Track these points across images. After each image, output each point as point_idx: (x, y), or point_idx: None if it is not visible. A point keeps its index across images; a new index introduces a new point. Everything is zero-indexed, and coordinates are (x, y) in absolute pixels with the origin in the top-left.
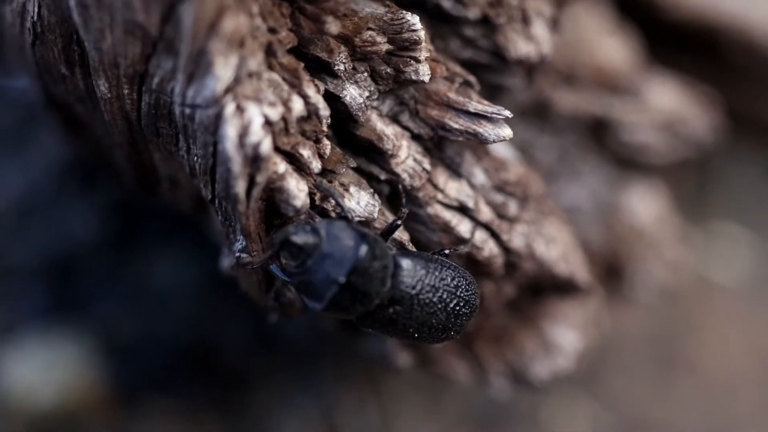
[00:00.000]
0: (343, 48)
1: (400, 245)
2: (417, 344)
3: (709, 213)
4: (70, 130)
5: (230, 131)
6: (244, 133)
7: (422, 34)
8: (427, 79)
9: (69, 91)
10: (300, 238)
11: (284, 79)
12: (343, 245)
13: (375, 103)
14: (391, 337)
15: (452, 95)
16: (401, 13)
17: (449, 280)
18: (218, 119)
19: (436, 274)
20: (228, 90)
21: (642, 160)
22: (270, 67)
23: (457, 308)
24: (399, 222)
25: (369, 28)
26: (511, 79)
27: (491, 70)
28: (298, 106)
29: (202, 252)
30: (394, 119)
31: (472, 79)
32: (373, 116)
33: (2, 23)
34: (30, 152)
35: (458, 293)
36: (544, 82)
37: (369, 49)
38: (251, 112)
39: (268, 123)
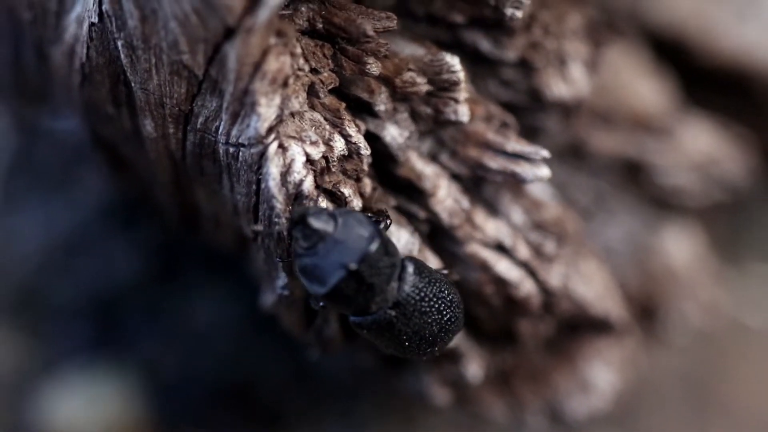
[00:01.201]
0: (383, 88)
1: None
2: (400, 355)
3: (745, 254)
4: (115, 169)
5: (273, 169)
6: (286, 171)
7: (461, 75)
8: (466, 119)
9: (115, 131)
10: (317, 222)
11: (326, 119)
12: (358, 234)
13: (415, 143)
14: (377, 345)
15: (490, 135)
16: (441, 54)
17: (446, 293)
18: (261, 158)
19: (437, 285)
20: (271, 129)
21: (677, 202)
22: (312, 107)
23: (449, 323)
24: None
25: (409, 69)
26: (548, 120)
27: (529, 111)
28: (339, 145)
29: (241, 290)
30: (434, 158)
31: (510, 119)
32: (413, 156)
33: (51, 65)
34: (75, 192)
35: (452, 308)
36: (580, 123)
37: (409, 89)
38: (294, 150)
39: (310, 162)
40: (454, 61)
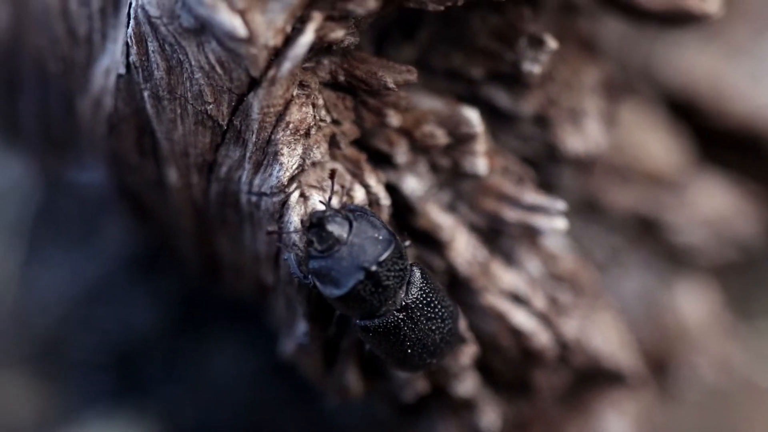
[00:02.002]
0: (403, 140)
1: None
2: (399, 366)
3: (758, 312)
4: (139, 218)
5: (294, 218)
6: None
7: (480, 129)
8: (484, 173)
9: (140, 180)
10: (333, 225)
11: (347, 169)
12: (374, 237)
13: (435, 194)
14: (379, 353)
15: (508, 187)
16: (460, 107)
17: (448, 303)
18: (283, 206)
19: (441, 294)
20: (293, 178)
21: (689, 260)
22: (333, 158)
23: (449, 335)
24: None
25: (429, 122)
26: (564, 174)
27: (545, 165)
28: (359, 195)
29: (259, 340)
30: (453, 209)
31: (528, 171)
32: (433, 207)
33: (77, 115)
34: (97, 244)
35: (453, 319)
36: (596, 178)
37: (428, 142)
38: (315, 199)
39: None
40: (472, 115)
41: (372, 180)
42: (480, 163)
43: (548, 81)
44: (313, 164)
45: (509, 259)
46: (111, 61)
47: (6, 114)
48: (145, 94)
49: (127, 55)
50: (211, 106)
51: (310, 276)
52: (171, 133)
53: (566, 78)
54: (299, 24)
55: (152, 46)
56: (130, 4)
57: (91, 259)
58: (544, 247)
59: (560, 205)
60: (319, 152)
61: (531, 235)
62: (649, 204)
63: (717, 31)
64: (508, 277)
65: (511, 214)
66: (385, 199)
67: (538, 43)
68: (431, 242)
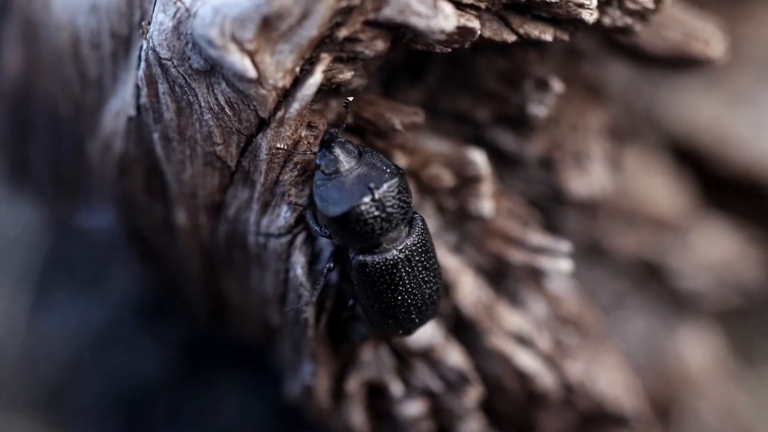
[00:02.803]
0: (410, 182)
1: None
2: (381, 322)
3: (761, 358)
4: (147, 261)
5: (301, 258)
6: (314, 260)
7: (486, 171)
8: (490, 215)
9: (148, 223)
10: (343, 152)
11: None
12: (381, 167)
13: (441, 235)
14: (365, 304)
15: (513, 229)
16: (466, 150)
17: (438, 264)
18: (290, 247)
19: (435, 250)
20: (300, 219)
21: (693, 305)
22: None
23: (436, 295)
24: None
25: (435, 164)
26: (569, 217)
27: (551, 207)
28: None
29: (265, 386)
30: (459, 250)
31: (533, 213)
32: (439, 248)
33: (87, 158)
34: (105, 289)
35: (441, 281)
36: (600, 222)
37: (435, 184)
38: (322, 240)
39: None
40: (479, 157)
41: None
42: (486, 206)
43: (554, 124)
44: None
45: (514, 301)
46: (121, 103)
47: (16, 157)
48: (155, 135)
49: (138, 97)
50: (220, 147)
51: (323, 228)
52: (180, 175)
53: (572, 121)
54: (308, 65)
55: (162, 87)
56: (141, 46)
57: (99, 305)
58: (549, 289)
59: (565, 246)
60: None
61: (536, 276)
62: (653, 248)
63: (720, 78)
64: (513, 319)
65: (516, 256)
66: None
67: (544, 86)
68: None
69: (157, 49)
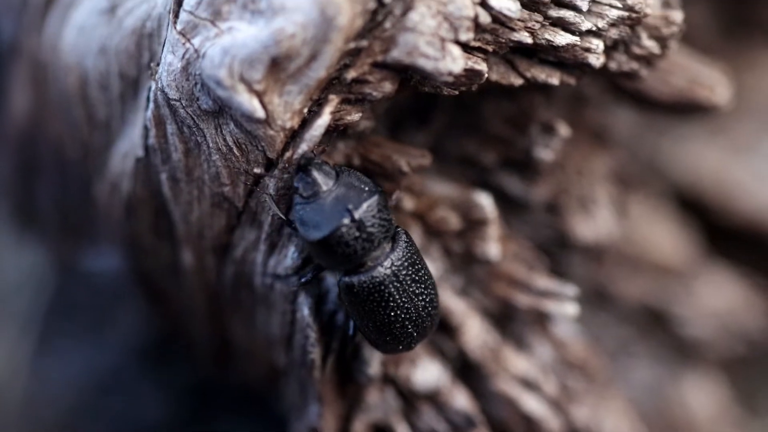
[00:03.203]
0: (416, 225)
1: None
2: (376, 338)
3: (766, 406)
4: (153, 303)
5: (309, 299)
6: (321, 301)
7: (492, 215)
8: (497, 258)
9: (155, 264)
10: (320, 172)
11: None
12: (359, 187)
13: (448, 278)
14: (360, 324)
15: (520, 273)
16: (472, 193)
17: (430, 273)
18: (297, 288)
19: (423, 261)
20: (307, 260)
21: (697, 353)
22: None
23: (431, 306)
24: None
25: (442, 207)
26: (575, 262)
27: (557, 252)
28: None
29: (271, 430)
30: (466, 293)
31: (540, 256)
32: (445, 291)
33: (95, 200)
34: (109, 334)
35: (435, 291)
36: (605, 267)
37: (441, 227)
38: (329, 281)
39: None
40: (485, 201)
41: None
42: (492, 249)
43: (560, 168)
44: None
45: (520, 344)
46: (129, 144)
47: (22, 200)
48: (163, 176)
49: (146, 137)
50: (227, 188)
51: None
52: (187, 215)
53: (578, 166)
54: (316, 106)
55: (171, 128)
56: (150, 87)
57: (102, 349)
58: (555, 333)
59: (571, 290)
60: None
61: (542, 320)
62: (657, 295)
63: (723, 126)
64: (519, 363)
65: (522, 300)
66: None
67: (550, 130)
68: (443, 326)
69: (166, 89)
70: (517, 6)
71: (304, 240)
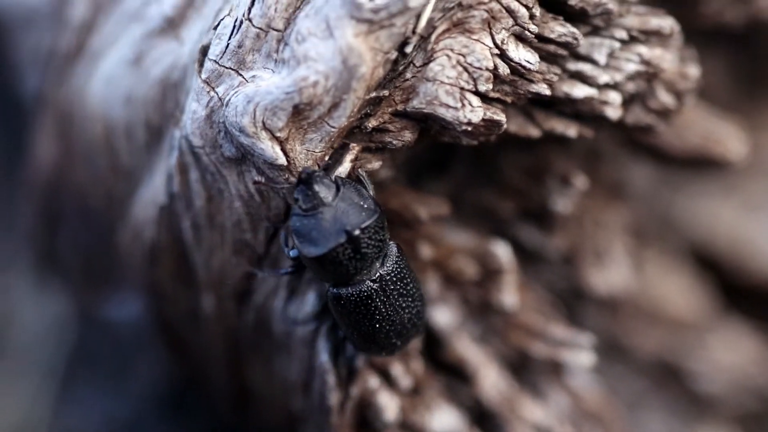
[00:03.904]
0: (435, 273)
1: None
2: (361, 344)
3: None
4: (173, 350)
5: (327, 345)
6: (340, 347)
7: (510, 265)
8: (514, 308)
9: (176, 311)
10: (320, 187)
11: None
12: (359, 204)
13: (466, 326)
14: (345, 329)
15: (537, 322)
16: (490, 243)
17: (419, 286)
18: (316, 334)
19: (413, 275)
20: (327, 307)
21: (712, 407)
22: None
23: (416, 318)
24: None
25: (460, 256)
26: (590, 313)
27: (572, 302)
28: None
29: None
30: (484, 341)
31: (556, 305)
32: (462, 339)
33: (118, 247)
34: (129, 383)
35: (422, 303)
36: (621, 319)
37: (459, 276)
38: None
39: None
40: (503, 252)
41: None
42: (508, 299)
43: (576, 220)
44: None
45: (537, 393)
46: (152, 192)
47: (45, 248)
48: (185, 223)
49: (169, 185)
50: (248, 235)
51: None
52: (209, 262)
53: (594, 218)
54: (337, 154)
55: (194, 175)
56: (173, 134)
57: (122, 399)
58: (571, 381)
59: (587, 340)
60: None
61: (558, 370)
62: (672, 350)
63: (737, 184)
64: (535, 411)
65: (539, 350)
66: None
67: (567, 182)
68: (460, 374)
69: (190, 137)
70: (536, 58)
71: (298, 250)
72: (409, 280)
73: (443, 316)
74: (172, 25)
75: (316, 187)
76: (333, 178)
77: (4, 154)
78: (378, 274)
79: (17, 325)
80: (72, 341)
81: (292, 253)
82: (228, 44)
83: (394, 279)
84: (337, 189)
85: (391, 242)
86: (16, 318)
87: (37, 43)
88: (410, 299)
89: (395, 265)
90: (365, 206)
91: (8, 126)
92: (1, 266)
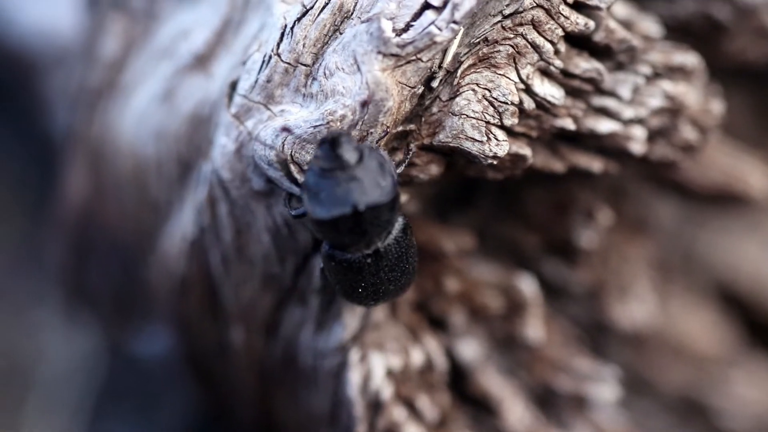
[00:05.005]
0: (460, 307)
1: None
2: (341, 293)
3: None
4: (200, 383)
5: (354, 377)
6: (367, 379)
7: (535, 299)
8: (539, 342)
9: (205, 342)
10: (344, 149)
11: (406, 332)
12: (377, 180)
13: (493, 359)
14: (330, 277)
15: (562, 356)
16: (516, 276)
17: (414, 261)
18: (343, 366)
19: (412, 251)
20: (354, 338)
21: None
22: (394, 320)
23: (403, 285)
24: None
25: (485, 290)
26: (615, 348)
27: (597, 336)
28: (418, 357)
29: None
30: (512, 373)
31: (581, 338)
32: (488, 372)
33: (147, 281)
34: (156, 418)
35: (410, 275)
36: (646, 354)
37: (485, 309)
38: (375, 360)
39: (390, 372)
40: (528, 286)
41: (431, 343)
42: (532, 333)
43: (601, 255)
44: (374, 326)
45: (561, 425)
46: (181, 226)
47: (75, 283)
48: (214, 256)
49: (199, 219)
50: (276, 267)
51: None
52: (237, 294)
53: (619, 252)
54: None
55: (223, 209)
56: (202, 168)
57: None
58: (595, 415)
59: (612, 373)
60: (381, 315)
61: (583, 404)
62: (696, 385)
63: (760, 221)
64: None
65: (563, 383)
66: (442, 363)
67: (592, 217)
68: (485, 407)
69: (219, 171)
70: (561, 93)
71: (305, 204)
72: (405, 257)
73: (469, 349)
74: (202, 61)
75: (339, 150)
76: (360, 146)
77: (35, 192)
78: (374, 247)
79: (47, 360)
80: (101, 376)
81: (293, 213)
82: (257, 79)
83: (389, 255)
84: (360, 158)
85: (400, 218)
86: (45, 354)
87: (65, 81)
88: (399, 274)
89: (395, 243)
90: (382, 184)
91: (38, 163)
92: (30, 302)
